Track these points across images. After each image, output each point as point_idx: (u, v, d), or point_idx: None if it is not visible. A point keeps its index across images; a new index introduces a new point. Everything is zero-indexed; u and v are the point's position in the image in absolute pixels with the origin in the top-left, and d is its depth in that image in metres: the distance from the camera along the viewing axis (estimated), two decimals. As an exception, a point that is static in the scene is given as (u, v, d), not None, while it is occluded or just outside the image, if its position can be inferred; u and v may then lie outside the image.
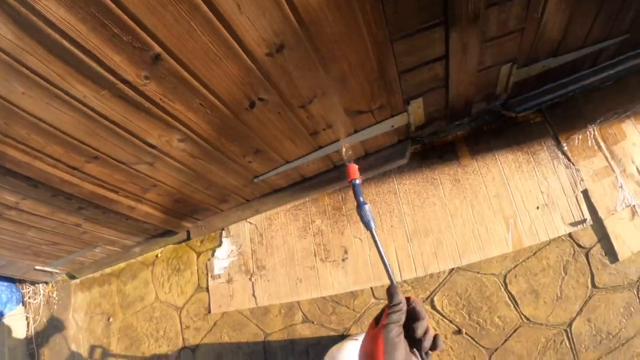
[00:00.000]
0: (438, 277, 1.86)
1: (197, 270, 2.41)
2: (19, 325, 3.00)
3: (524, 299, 1.74)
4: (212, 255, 2.35)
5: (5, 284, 3.05)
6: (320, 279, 2.01)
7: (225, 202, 2.13)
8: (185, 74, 1.20)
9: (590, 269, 1.68)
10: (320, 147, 1.77)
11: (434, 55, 1.47)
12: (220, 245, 2.34)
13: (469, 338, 1.78)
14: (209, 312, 2.28)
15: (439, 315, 1.83)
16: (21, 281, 3.10)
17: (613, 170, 1.72)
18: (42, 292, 3.08)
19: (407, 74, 1.50)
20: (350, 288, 1.95)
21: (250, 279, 2.17)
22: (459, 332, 1.80)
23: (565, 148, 1.79)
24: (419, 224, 1.93)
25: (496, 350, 1.74)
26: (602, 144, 1.76)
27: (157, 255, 2.61)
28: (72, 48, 1.03)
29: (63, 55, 1.05)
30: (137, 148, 1.54)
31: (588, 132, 1.78)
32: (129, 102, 1.27)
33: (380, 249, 0.71)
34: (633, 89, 1.78)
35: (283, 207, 2.17)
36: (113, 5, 0.95)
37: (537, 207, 1.79)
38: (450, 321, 1.81)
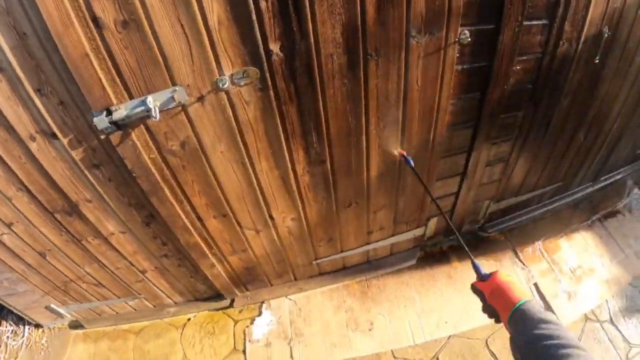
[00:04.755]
0: (441, 341, 2.56)
1: (234, 335, 2.75)
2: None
3: (502, 354, 2.47)
4: (251, 323, 2.76)
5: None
6: (352, 344, 2.58)
7: (280, 278, 2.65)
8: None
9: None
10: (367, 244, 2.49)
11: (452, 191, 2.36)
12: (260, 315, 2.78)
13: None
14: (245, 372, 2.62)
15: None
16: (1, 317, 2.83)
17: (553, 270, 2.64)
18: (26, 334, 2.86)
19: (438, 200, 2.35)
20: (375, 350, 2.55)
21: (288, 344, 2.64)
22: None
23: (521, 256, 2.71)
24: (425, 304, 2.65)
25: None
26: (545, 253, 2.73)
27: (188, 319, 2.86)
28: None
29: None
30: (260, 216, 2.00)
31: (535, 246, 2.74)
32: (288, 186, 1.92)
33: None
34: (566, 217, 2.87)
35: (320, 289, 2.78)
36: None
37: (505, 295, 2.62)
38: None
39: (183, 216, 1.90)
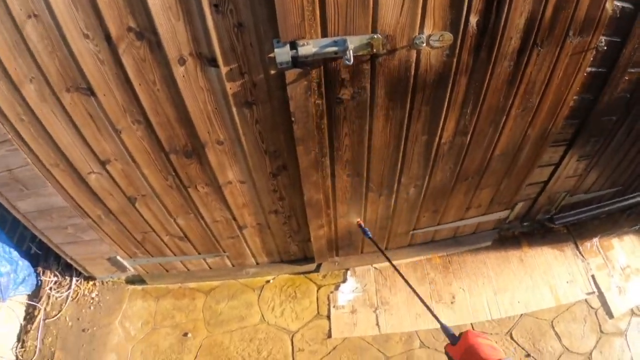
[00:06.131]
0: (514, 318, 2.83)
1: (317, 300, 2.84)
2: (13, 316, 2.59)
3: (564, 335, 2.76)
4: (336, 289, 2.89)
5: (27, 263, 2.62)
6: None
7: (373, 245, 2.78)
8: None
9: (598, 321, 2.82)
10: (461, 220, 2.77)
11: (542, 179, 2.69)
12: (344, 281, 2.93)
13: None
14: (329, 337, 2.71)
15: (515, 344, 2.75)
16: (45, 267, 2.75)
17: (607, 265, 3.01)
18: (72, 286, 2.74)
19: (527, 186, 2.68)
20: (457, 322, 2.78)
21: (374, 312, 2.82)
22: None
23: (581, 249, 3.08)
24: (500, 283, 2.94)
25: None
26: (600, 250, 3.09)
27: (267, 281, 2.90)
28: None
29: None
30: (391, 180, 2.13)
31: (593, 242, 3.12)
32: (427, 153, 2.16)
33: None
34: (618, 220, 3.26)
35: (405, 260, 3.02)
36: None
37: (567, 282, 2.96)
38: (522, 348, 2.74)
39: (319, 170, 1.91)
